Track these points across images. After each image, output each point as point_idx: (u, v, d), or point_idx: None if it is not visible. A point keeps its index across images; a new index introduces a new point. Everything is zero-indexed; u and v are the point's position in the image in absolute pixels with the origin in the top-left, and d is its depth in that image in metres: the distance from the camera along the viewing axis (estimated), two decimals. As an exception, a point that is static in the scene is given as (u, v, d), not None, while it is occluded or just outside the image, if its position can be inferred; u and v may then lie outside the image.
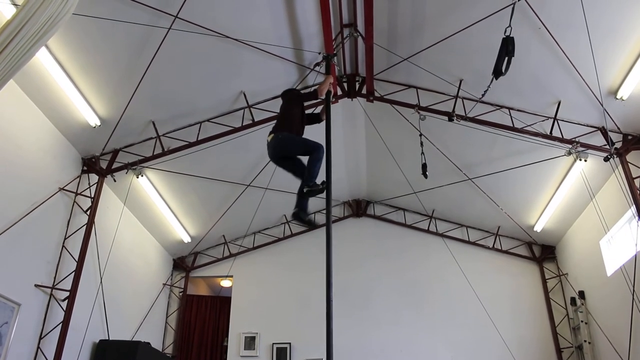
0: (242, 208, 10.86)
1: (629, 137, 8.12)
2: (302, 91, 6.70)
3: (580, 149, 8.44)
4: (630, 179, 7.99)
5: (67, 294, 7.72)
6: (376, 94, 8.91)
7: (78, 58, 6.94)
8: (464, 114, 8.44)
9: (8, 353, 6.57)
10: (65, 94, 7.24)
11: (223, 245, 12.63)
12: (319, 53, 7.97)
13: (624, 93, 7.45)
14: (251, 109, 8.73)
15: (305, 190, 5.74)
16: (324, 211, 7.10)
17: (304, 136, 6.16)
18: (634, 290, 8.13)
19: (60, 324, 7.55)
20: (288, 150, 5.99)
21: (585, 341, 10.05)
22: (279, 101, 8.63)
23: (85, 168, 8.51)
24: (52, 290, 7.60)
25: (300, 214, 5.82)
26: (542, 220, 10.83)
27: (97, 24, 6.32)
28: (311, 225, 6.14)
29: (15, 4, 5.69)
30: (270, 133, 6.04)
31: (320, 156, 5.80)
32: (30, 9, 3.84)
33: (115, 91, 7.62)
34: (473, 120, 8.50)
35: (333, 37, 7.75)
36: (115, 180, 8.89)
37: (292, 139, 5.94)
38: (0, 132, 6.58)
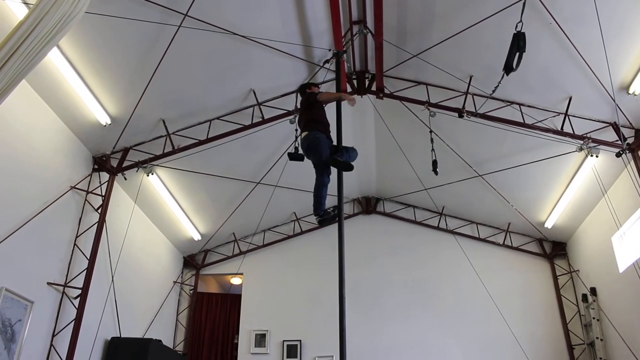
0: (252, 206, 10.88)
1: (641, 133, 8.06)
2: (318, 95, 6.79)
3: (592, 144, 8.37)
4: (642, 175, 7.93)
5: (79, 291, 7.78)
6: (386, 91, 8.89)
7: (89, 57, 6.97)
8: (474, 111, 8.42)
9: (22, 350, 6.62)
10: (76, 93, 7.27)
11: (233, 242, 12.66)
12: (329, 50, 7.97)
13: (636, 88, 7.40)
14: (261, 106, 8.74)
15: (317, 220, 6.22)
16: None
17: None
18: (646, 287, 8.08)
19: (73, 322, 7.61)
20: (310, 154, 6.30)
21: (597, 338, 10.00)
22: (289, 99, 8.75)
23: (96, 166, 8.55)
24: (64, 288, 7.64)
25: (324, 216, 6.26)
26: (553, 216, 10.77)
27: (108, 22, 6.34)
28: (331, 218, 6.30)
29: (26, 3, 5.73)
30: (304, 130, 6.33)
31: (326, 182, 6.26)
32: (43, 9, 3.86)
33: (126, 90, 7.65)
34: (483, 116, 8.46)
35: (342, 34, 7.73)
36: (125, 179, 8.92)
37: (317, 148, 6.18)
38: (12, 131, 6.63)
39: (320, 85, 7.26)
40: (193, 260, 12.59)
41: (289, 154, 7.23)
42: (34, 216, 6.96)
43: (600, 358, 9.85)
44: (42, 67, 6.47)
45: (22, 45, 3.82)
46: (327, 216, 6.11)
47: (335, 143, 6.40)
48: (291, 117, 8.68)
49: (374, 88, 8.92)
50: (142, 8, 6.43)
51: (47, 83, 6.98)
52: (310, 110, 6.54)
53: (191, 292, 12.44)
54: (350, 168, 6.04)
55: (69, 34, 6.07)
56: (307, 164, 6.64)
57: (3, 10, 5.82)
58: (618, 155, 7.85)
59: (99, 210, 8.45)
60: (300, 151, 6.70)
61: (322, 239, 12.19)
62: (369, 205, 12.87)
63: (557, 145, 8.74)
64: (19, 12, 5.76)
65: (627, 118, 7.96)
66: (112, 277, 8.82)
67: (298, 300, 11.98)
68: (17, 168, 6.73)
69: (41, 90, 7.07)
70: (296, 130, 8.10)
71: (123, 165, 8.72)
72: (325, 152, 6.12)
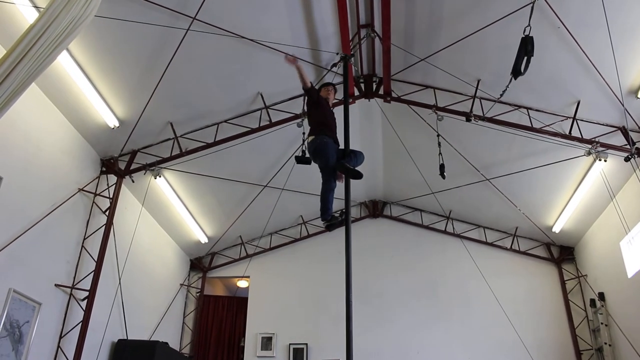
0: (259, 209, 10.89)
1: (650, 137, 8.01)
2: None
3: (600, 149, 8.34)
4: (651, 179, 7.88)
5: (87, 293, 7.81)
6: (393, 95, 8.89)
7: (97, 60, 7.01)
8: (481, 114, 8.38)
9: (29, 352, 6.65)
10: (85, 96, 7.32)
11: (240, 245, 12.67)
12: (337, 54, 7.96)
13: (645, 92, 7.36)
14: (268, 110, 8.75)
15: (325, 225, 6.12)
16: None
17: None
18: (655, 292, 8.02)
19: (80, 324, 7.64)
20: (317, 159, 6.22)
21: (605, 343, 9.93)
22: (296, 102, 8.76)
23: (104, 169, 8.60)
24: (71, 290, 7.68)
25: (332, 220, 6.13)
26: (561, 221, 10.71)
27: (116, 25, 6.38)
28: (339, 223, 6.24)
29: (36, 7, 5.77)
30: (310, 134, 6.27)
31: (333, 187, 6.14)
32: (53, 13, 3.89)
33: (134, 93, 7.68)
34: (491, 120, 8.43)
35: (350, 37, 7.74)
36: (133, 181, 8.97)
37: (324, 152, 6.10)
38: (21, 134, 6.67)
39: (336, 87, 7.15)
40: (200, 263, 12.61)
41: (296, 157, 7.23)
42: (42, 218, 7.00)
43: (609, 364, 9.80)
44: (52, 70, 6.50)
45: (32, 48, 3.85)
46: (334, 221, 6.07)
47: (342, 147, 6.37)
48: (298, 120, 8.69)
49: (381, 92, 8.91)
50: (151, 11, 6.46)
51: (56, 86, 7.03)
52: (316, 109, 6.50)
53: (198, 294, 12.46)
54: (359, 176, 5.97)
55: (78, 37, 6.11)
56: (315, 167, 6.62)
57: (14, 14, 5.88)
58: (627, 159, 7.81)
59: (107, 213, 8.48)
60: (308, 155, 6.69)
61: (328, 242, 12.16)
62: (376, 208, 12.86)
63: (565, 150, 8.71)
64: (30, 16, 5.80)
65: (635, 122, 7.92)
66: (120, 279, 8.85)
67: (304, 304, 11.97)
68: (26, 170, 6.78)
69: (50, 93, 7.13)
70: (303, 133, 8.11)
71: (131, 168, 8.76)
72: (332, 157, 6.08)
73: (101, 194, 8.47)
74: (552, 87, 8.01)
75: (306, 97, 6.72)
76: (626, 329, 9.32)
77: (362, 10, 7.78)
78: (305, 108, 7.37)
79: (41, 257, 7.06)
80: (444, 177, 8.27)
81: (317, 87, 6.99)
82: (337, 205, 6.36)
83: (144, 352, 8.70)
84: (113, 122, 7.94)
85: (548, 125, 8.32)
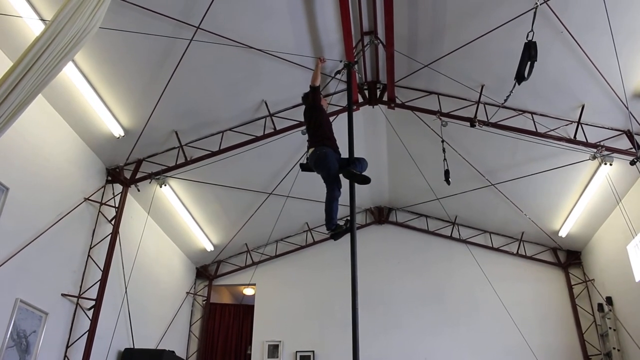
0: (264, 216, 10.90)
1: (656, 140, 7.99)
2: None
3: (605, 152, 8.31)
4: (657, 183, 7.85)
5: (93, 302, 7.83)
6: (397, 101, 8.89)
7: (102, 70, 7.06)
8: (486, 120, 8.38)
9: (36, 361, 6.67)
10: (90, 106, 7.36)
11: (246, 253, 12.68)
12: (340, 61, 7.98)
13: (649, 95, 7.34)
14: (273, 117, 8.77)
15: (330, 234, 6.12)
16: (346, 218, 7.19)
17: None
18: (663, 296, 7.97)
19: (87, 333, 7.65)
20: (319, 169, 6.23)
21: (614, 348, 9.87)
22: (300, 109, 8.74)
23: (109, 178, 8.63)
24: (78, 300, 7.70)
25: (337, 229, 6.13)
26: (567, 225, 10.67)
27: (121, 36, 6.42)
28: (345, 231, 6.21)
29: (42, 19, 5.82)
30: (310, 147, 6.30)
31: (337, 196, 6.10)
32: (59, 25, 3.92)
33: (139, 102, 7.72)
34: (495, 125, 8.43)
35: (354, 44, 7.76)
36: (139, 190, 8.99)
37: (325, 163, 6.12)
38: (28, 144, 6.71)
39: (327, 98, 7.19)
40: (206, 271, 12.62)
41: (301, 165, 7.24)
42: (49, 228, 7.03)
43: (617, 369, 9.73)
44: (57, 80, 6.51)
45: (38, 60, 3.87)
46: (339, 230, 6.06)
47: (345, 155, 6.37)
48: (303, 127, 8.68)
49: (385, 98, 8.90)
50: (155, 21, 6.50)
51: (62, 96, 7.07)
52: (314, 118, 6.49)
53: (204, 302, 12.46)
54: (367, 181, 5.96)
55: (83, 48, 6.15)
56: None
57: (20, 26, 5.94)
58: (632, 163, 7.77)
59: (113, 222, 8.51)
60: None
61: (334, 249, 12.00)
62: (381, 215, 12.84)
63: (570, 154, 8.68)
64: (36, 29, 5.85)
65: (641, 125, 7.91)
66: (126, 288, 8.86)
67: (311, 311, 11.95)
68: (32, 180, 6.81)
69: (56, 103, 7.18)
70: (308, 140, 8.12)
71: (136, 177, 8.79)
72: (333, 166, 6.07)
73: (107, 203, 8.51)
74: (556, 91, 8.00)
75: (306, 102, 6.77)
76: (635, 333, 9.26)
77: (365, 17, 7.79)
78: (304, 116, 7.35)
79: (48, 266, 7.08)
80: (449, 182, 8.26)
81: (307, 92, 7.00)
82: (343, 211, 6.36)
83: (150, 360, 8.73)
84: (118, 132, 7.98)
85: (553, 130, 8.31)
